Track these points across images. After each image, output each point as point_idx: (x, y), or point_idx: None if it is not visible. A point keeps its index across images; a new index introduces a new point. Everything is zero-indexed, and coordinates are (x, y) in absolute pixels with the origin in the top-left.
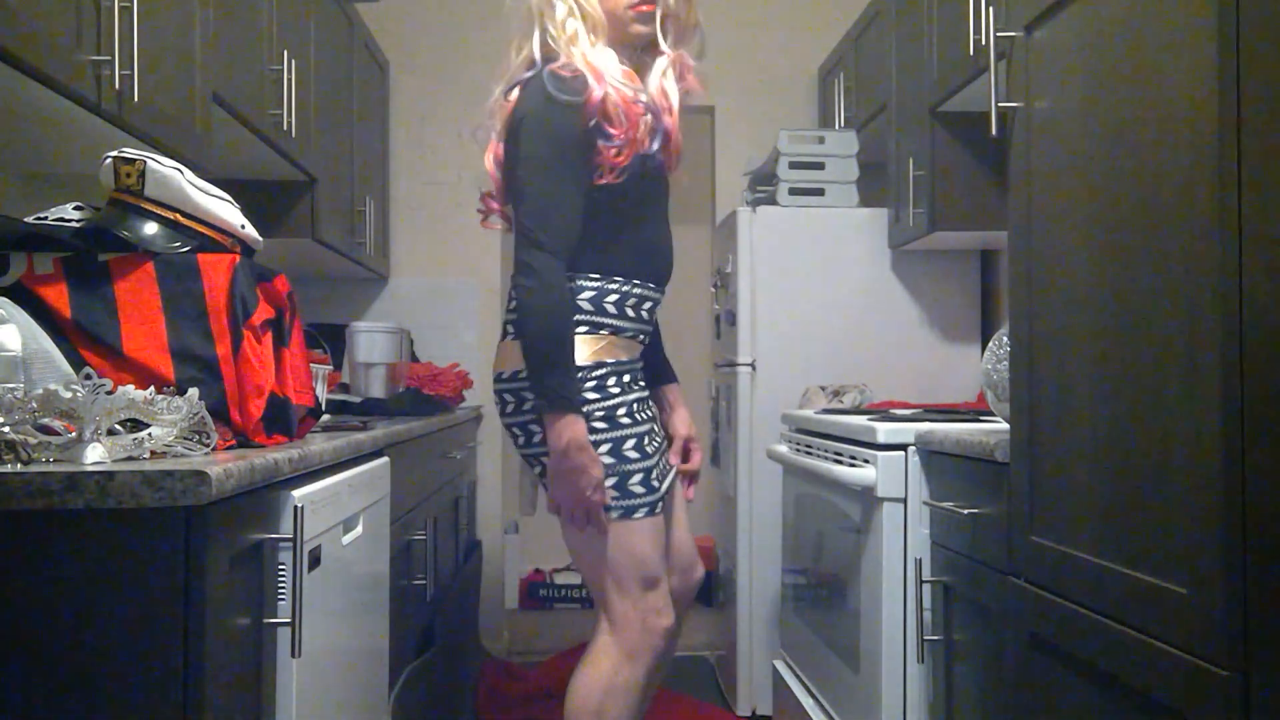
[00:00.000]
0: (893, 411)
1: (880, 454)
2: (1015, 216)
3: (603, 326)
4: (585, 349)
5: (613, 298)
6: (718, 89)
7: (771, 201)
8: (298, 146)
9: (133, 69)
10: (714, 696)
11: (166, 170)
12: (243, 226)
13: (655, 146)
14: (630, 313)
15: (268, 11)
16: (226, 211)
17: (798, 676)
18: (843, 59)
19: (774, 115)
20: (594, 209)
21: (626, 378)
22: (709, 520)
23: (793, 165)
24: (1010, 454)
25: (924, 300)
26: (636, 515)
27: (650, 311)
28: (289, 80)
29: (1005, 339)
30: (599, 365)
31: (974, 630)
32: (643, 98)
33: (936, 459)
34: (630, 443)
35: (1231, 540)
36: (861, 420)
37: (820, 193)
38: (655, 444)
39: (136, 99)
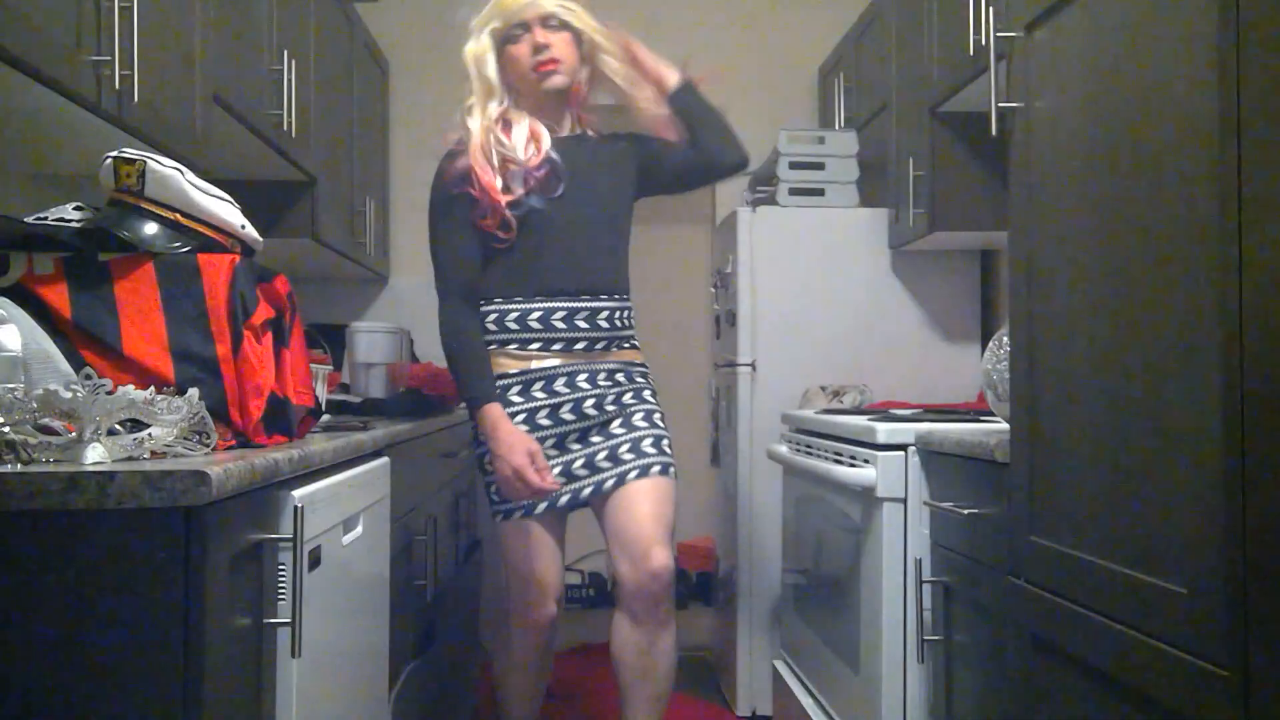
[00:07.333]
0: (893, 411)
1: (880, 454)
2: (1015, 216)
3: (502, 342)
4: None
5: (493, 317)
6: (718, 89)
7: (771, 201)
8: (298, 146)
9: (133, 69)
10: (714, 696)
11: (166, 170)
12: (243, 226)
13: (527, 200)
14: (534, 325)
15: (268, 11)
16: (226, 211)
17: (798, 676)
18: (843, 59)
19: (774, 115)
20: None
21: (517, 389)
22: (709, 520)
23: (793, 165)
24: (1010, 454)
25: (924, 300)
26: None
27: (562, 319)
28: (289, 80)
29: (1005, 339)
30: (501, 376)
31: (974, 630)
32: (493, 161)
33: (936, 459)
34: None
35: (1231, 540)
36: (861, 420)
37: (820, 193)
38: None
39: (136, 99)
